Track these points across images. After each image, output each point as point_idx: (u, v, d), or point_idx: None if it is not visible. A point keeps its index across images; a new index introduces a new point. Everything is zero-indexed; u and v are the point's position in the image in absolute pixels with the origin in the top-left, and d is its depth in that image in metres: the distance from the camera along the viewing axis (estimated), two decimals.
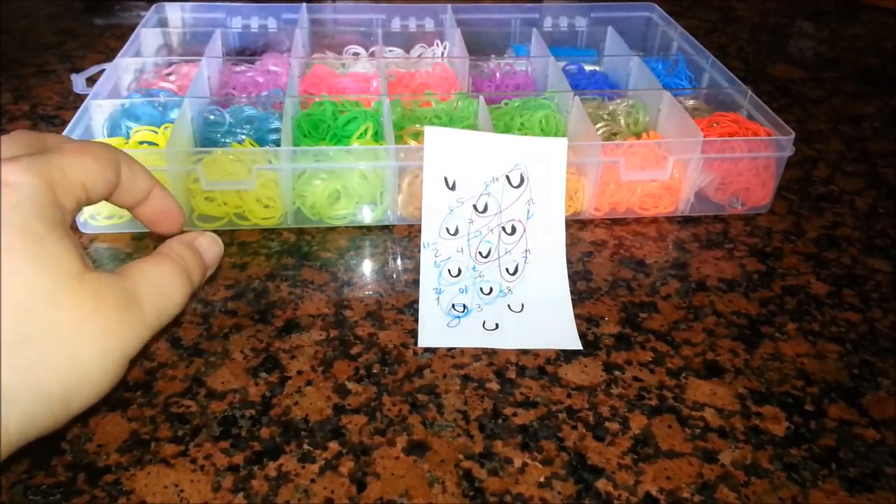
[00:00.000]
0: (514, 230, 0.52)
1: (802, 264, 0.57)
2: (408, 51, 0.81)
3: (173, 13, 0.83)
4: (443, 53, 0.79)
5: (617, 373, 0.46)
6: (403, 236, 0.58)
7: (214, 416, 0.42)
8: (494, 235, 0.52)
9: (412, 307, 0.51)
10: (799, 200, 0.65)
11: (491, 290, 0.52)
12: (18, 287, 0.24)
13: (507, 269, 0.52)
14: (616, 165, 0.58)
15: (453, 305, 0.51)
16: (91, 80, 0.66)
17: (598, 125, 0.64)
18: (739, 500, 0.39)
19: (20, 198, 0.25)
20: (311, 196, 0.57)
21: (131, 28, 0.77)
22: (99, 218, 0.57)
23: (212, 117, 0.63)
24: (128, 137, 0.61)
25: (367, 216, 0.59)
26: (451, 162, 0.51)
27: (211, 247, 0.34)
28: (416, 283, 0.52)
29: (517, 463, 0.40)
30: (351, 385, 0.45)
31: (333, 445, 0.41)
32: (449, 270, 0.51)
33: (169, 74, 0.72)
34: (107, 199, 0.31)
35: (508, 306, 0.51)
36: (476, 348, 0.48)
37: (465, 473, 0.39)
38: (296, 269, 0.54)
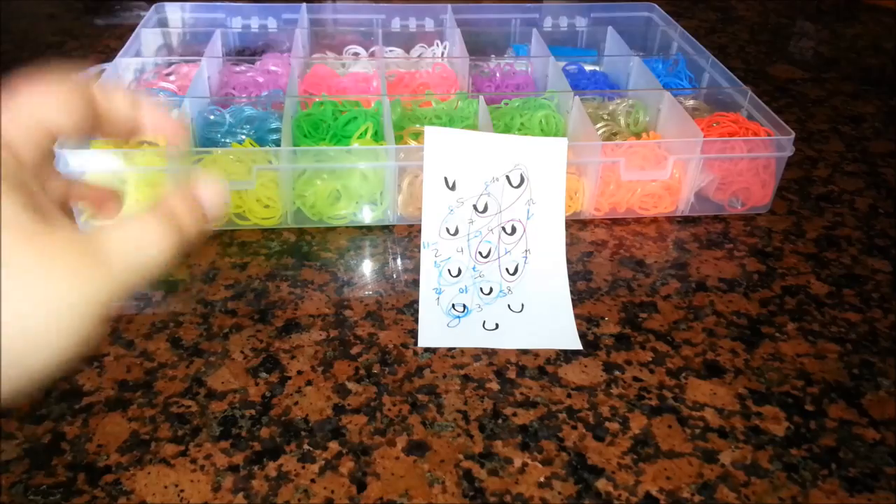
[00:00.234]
0: (514, 230, 0.52)
1: (802, 264, 0.57)
2: (408, 51, 0.81)
3: (173, 13, 0.83)
4: (443, 53, 0.79)
5: (617, 373, 0.46)
6: (403, 236, 0.58)
7: (214, 416, 0.42)
8: (494, 235, 0.52)
9: (412, 307, 0.51)
10: (799, 200, 0.65)
11: (491, 290, 0.51)
12: None
13: (507, 269, 0.52)
14: (616, 165, 0.58)
15: (453, 305, 0.51)
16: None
17: (598, 125, 0.64)
18: (739, 500, 0.39)
19: None
20: (312, 196, 0.57)
21: (131, 28, 0.77)
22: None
23: (212, 117, 0.63)
24: None
25: (368, 216, 0.59)
26: (451, 162, 0.51)
27: (211, 191, 0.33)
28: (416, 283, 0.52)
29: (517, 463, 0.40)
30: (351, 385, 0.45)
31: (333, 445, 0.41)
32: (449, 270, 0.51)
33: (169, 74, 0.72)
34: (98, 135, 0.31)
35: (508, 306, 0.51)
36: (476, 348, 0.48)
37: (465, 473, 0.39)
38: (296, 269, 0.54)
